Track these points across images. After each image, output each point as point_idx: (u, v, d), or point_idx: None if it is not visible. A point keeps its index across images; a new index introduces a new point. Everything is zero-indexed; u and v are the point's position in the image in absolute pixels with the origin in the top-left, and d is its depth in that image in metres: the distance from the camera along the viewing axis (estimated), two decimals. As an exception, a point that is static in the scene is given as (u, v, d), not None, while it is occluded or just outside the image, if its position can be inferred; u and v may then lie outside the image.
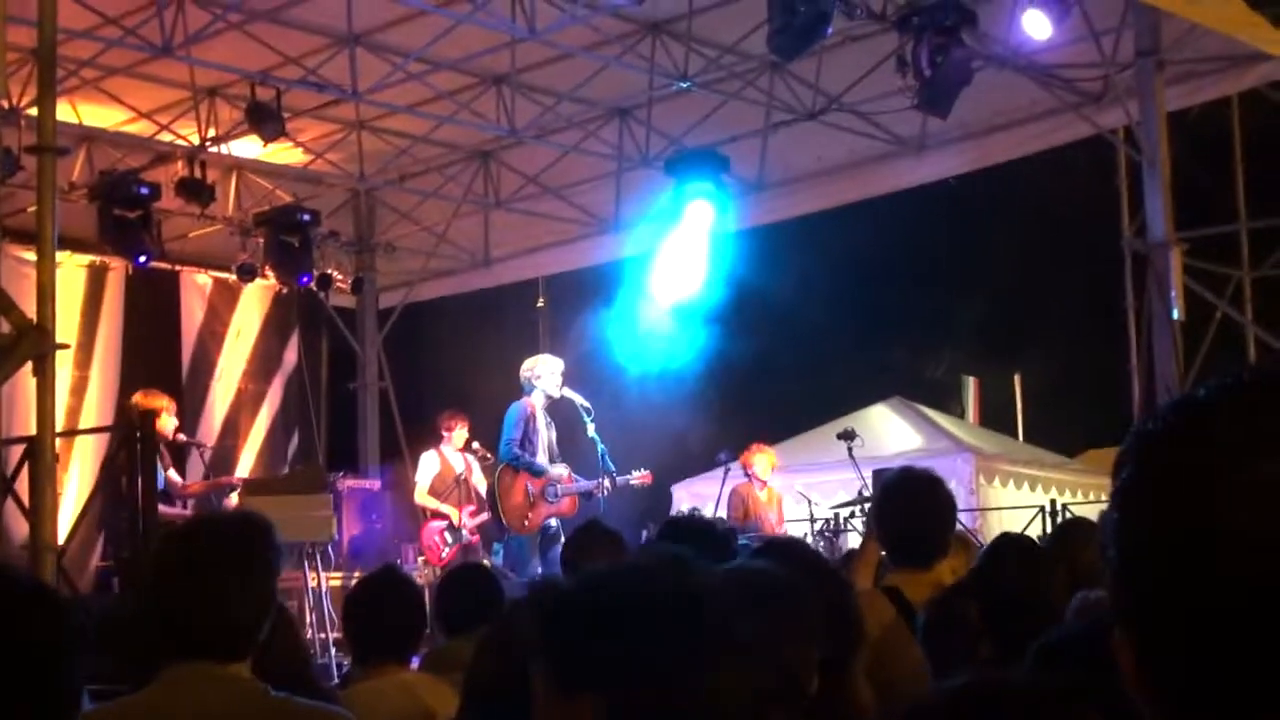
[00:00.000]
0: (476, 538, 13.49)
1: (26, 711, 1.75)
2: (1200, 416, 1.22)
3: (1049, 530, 14.55)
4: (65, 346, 7.51)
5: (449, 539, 13.43)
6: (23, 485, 7.43)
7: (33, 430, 7.54)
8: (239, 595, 3.27)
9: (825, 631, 3.17)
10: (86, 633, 1.85)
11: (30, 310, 6.80)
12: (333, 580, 12.53)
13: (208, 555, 3.28)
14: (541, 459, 12.62)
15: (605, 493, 12.54)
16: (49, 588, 1.87)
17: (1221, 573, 1.15)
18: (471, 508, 13.51)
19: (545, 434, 12.72)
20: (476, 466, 13.69)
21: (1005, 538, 4.79)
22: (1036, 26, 12.65)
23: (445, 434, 13.80)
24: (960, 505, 5.76)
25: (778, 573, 3.12)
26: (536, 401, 12.68)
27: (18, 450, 7.72)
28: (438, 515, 13.55)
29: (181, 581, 3.27)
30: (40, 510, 6.73)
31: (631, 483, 12.81)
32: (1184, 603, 1.18)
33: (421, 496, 13.69)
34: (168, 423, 11.48)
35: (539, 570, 12.38)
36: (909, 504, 5.09)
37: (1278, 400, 1.21)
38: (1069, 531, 5.36)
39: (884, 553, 5.33)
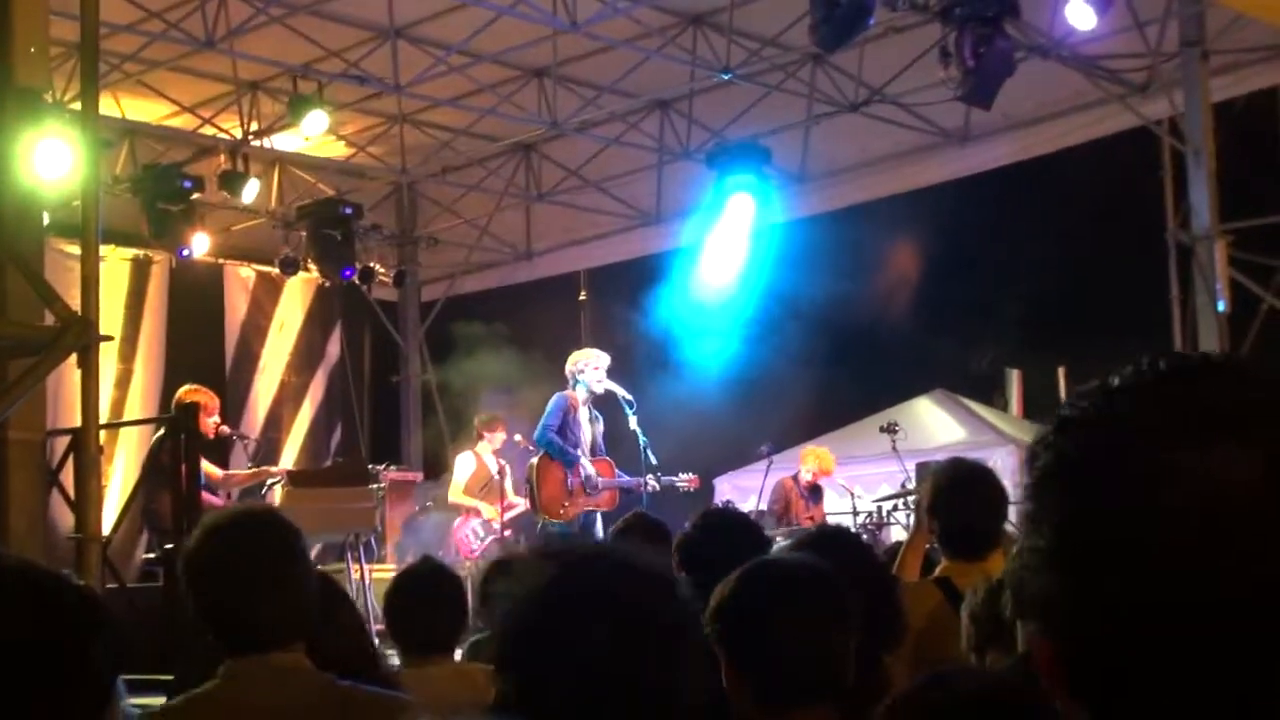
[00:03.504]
0: (509, 533, 13.51)
1: (46, 704, 1.76)
2: (1118, 401, 1.19)
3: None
4: (109, 339, 7.53)
5: (481, 533, 13.45)
6: (68, 476, 7.47)
7: (77, 422, 7.57)
8: (280, 584, 3.27)
9: (866, 623, 3.15)
10: (109, 623, 1.86)
11: (74, 303, 6.83)
12: (379, 572, 12.53)
13: (227, 555, 3.27)
14: (583, 453, 12.55)
15: (648, 489, 12.48)
16: (60, 577, 1.88)
17: (1144, 564, 1.12)
18: (503, 504, 13.53)
19: (589, 429, 12.61)
20: (509, 469, 13.68)
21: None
22: (1080, 17, 12.56)
23: (485, 435, 13.80)
24: (1003, 498, 5.76)
25: (815, 563, 3.11)
26: (579, 395, 12.61)
27: (62, 442, 7.75)
28: (473, 512, 13.58)
29: (210, 584, 3.28)
30: (85, 502, 6.76)
31: (678, 485, 12.74)
32: (1103, 595, 1.14)
33: (456, 495, 13.71)
34: (207, 423, 11.45)
35: None
36: (964, 495, 5.07)
37: (1192, 387, 1.18)
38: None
39: (934, 544, 5.31)
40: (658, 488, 12.45)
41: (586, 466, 12.32)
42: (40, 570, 1.89)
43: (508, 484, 13.59)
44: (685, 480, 12.79)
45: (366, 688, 3.43)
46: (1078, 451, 1.18)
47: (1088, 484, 1.16)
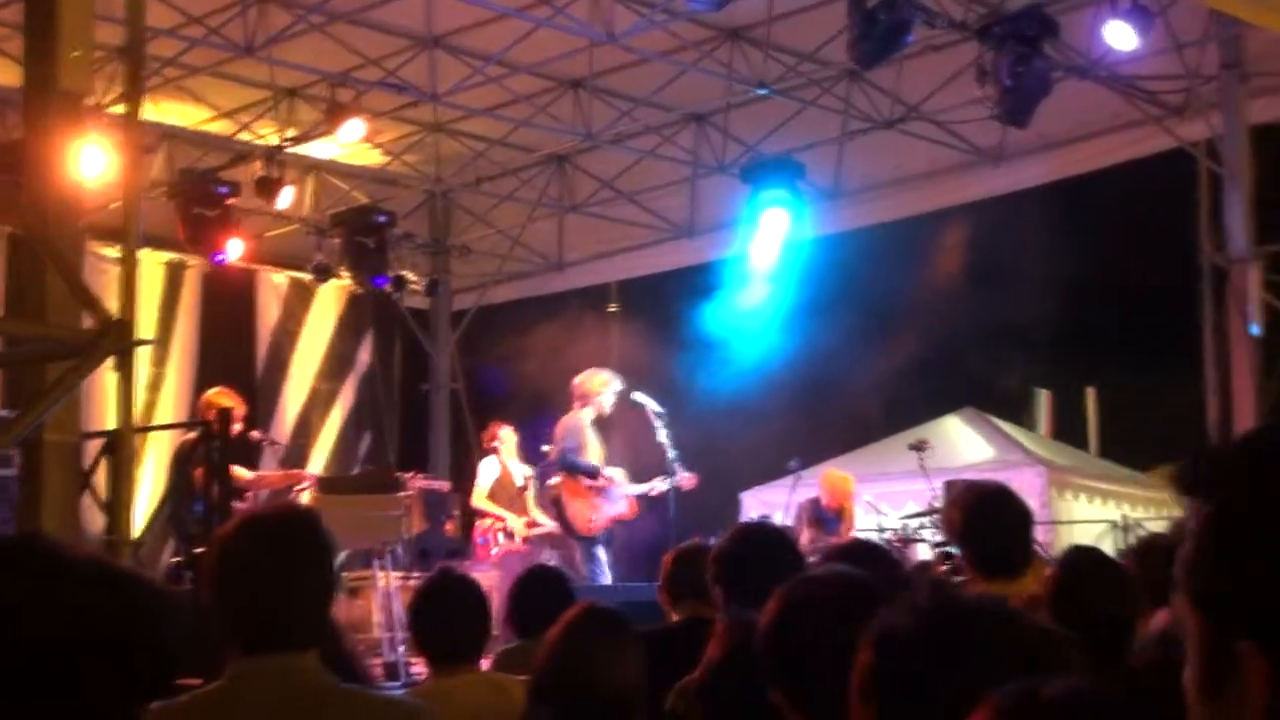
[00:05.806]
0: (528, 546, 13.52)
1: (122, 681, 1.80)
2: None
3: (1121, 545, 14.43)
4: (148, 343, 7.58)
5: (500, 539, 13.43)
6: (98, 479, 7.49)
7: (109, 424, 7.58)
8: (299, 586, 3.26)
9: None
10: (176, 609, 1.90)
11: (111, 306, 6.86)
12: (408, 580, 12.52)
13: (264, 550, 3.27)
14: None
15: (656, 494, 12.55)
16: (129, 569, 1.93)
17: None
18: (528, 519, 13.50)
19: (599, 448, 12.73)
20: (534, 482, 13.66)
21: (1079, 551, 4.76)
22: (1120, 38, 12.53)
23: (493, 443, 13.79)
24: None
25: (863, 577, 3.09)
26: (586, 416, 12.66)
27: (94, 444, 7.77)
28: (497, 519, 13.56)
29: (241, 578, 3.27)
30: (119, 504, 6.79)
31: (680, 485, 12.67)
32: None
33: (480, 500, 13.66)
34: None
35: (601, 571, 12.40)
36: (993, 516, 5.11)
37: None
38: (1152, 548, 5.31)
39: (969, 565, 5.31)
40: (665, 489, 12.49)
41: (610, 473, 12.42)
42: (111, 562, 1.94)
43: (529, 495, 13.60)
44: (685, 478, 12.71)
45: (375, 692, 3.41)
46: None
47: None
